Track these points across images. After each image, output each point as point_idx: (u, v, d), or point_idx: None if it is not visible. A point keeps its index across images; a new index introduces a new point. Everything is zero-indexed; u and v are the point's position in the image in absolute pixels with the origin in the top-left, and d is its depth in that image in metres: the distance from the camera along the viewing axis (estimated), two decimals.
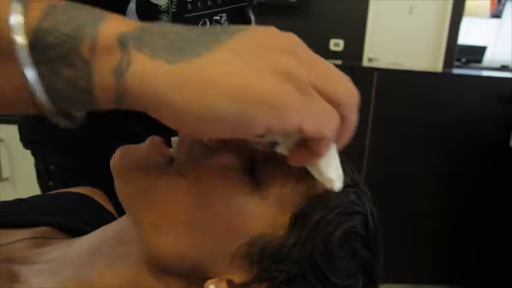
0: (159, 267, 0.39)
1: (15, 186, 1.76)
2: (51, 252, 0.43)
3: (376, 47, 3.77)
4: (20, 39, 0.24)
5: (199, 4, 0.58)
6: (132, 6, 0.52)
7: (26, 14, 0.25)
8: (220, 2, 0.60)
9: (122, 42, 0.26)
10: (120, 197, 0.39)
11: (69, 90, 0.26)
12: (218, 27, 0.28)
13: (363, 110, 1.98)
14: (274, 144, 0.36)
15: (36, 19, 0.25)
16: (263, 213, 0.38)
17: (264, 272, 0.37)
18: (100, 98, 0.26)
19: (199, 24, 0.59)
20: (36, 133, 0.72)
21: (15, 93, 0.26)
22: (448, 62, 3.84)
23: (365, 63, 3.60)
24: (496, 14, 4.97)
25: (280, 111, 0.26)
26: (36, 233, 0.46)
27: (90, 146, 0.67)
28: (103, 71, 0.25)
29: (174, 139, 0.43)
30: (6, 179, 1.77)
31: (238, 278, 0.38)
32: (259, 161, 0.40)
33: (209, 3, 0.59)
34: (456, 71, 3.30)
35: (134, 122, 0.59)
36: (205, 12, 0.59)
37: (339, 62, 2.51)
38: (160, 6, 0.54)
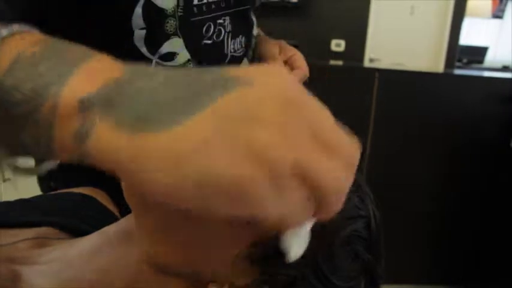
0: (160, 268, 0.39)
1: (17, 187, 1.76)
2: (52, 252, 0.43)
3: (377, 47, 3.77)
4: None
5: (204, 8, 0.58)
6: (138, 10, 0.52)
7: None
8: (223, 5, 0.60)
9: (84, 106, 0.24)
10: (125, 195, 0.40)
11: (34, 146, 0.25)
12: (213, 74, 0.24)
13: (364, 110, 1.98)
14: None
15: (1, 73, 0.24)
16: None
17: (265, 274, 0.37)
18: (63, 157, 0.25)
19: (204, 28, 0.59)
20: None
21: None
22: (450, 62, 3.84)
23: (366, 63, 3.60)
24: (498, 15, 4.96)
25: (243, 204, 0.22)
26: (37, 233, 0.46)
27: None
28: (63, 135, 0.24)
29: None
30: (8, 179, 1.78)
31: (239, 281, 0.38)
32: None
33: (213, 6, 0.59)
34: (457, 71, 3.31)
35: None
36: (209, 15, 0.59)
37: (340, 62, 2.51)
38: (167, 10, 0.54)
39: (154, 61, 0.56)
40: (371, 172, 2.00)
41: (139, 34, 0.54)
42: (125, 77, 0.25)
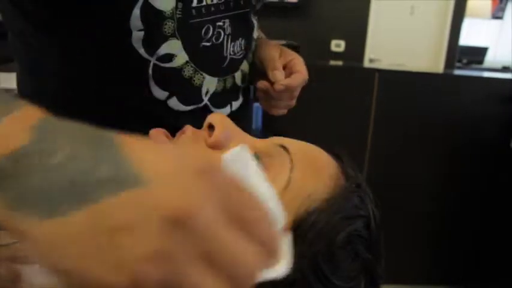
0: None
1: None
2: None
3: (377, 47, 3.78)
4: None
5: (203, 10, 0.58)
6: (136, 12, 0.52)
7: None
8: (223, 8, 0.60)
9: None
10: None
11: None
12: (115, 165, 0.22)
13: (364, 110, 1.99)
14: None
15: None
16: None
17: None
18: None
19: (203, 30, 0.59)
20: None
21: None
22: (449, 62, 3.84)
23: (366, 64, 3.60)
24: (498, 15, 4.96)
25: None
26: None
27: None
28: None
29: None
30: None
31: None
32: (262, 156, 0.40)
33: (212, 9, 0.59)
34: (457, 72, 3.31)
35: (144, 124, 0.60)
36: (208, 18, 0.59)
37: (340, 62, 2.51)
38: (165, 12, 0.54)
39: (152, 62, 0.56)
40: (371, 172, 2.00)
41: (137, 35, 0.54)
42: (27, 148, 0.23)
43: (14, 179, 0.22)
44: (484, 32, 4.92)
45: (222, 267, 0.21)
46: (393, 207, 1.92)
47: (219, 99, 0.66)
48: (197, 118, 0.50)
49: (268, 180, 0.39)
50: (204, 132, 0.43)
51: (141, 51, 0.55)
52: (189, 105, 0.62)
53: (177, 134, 0.45)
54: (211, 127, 0.43)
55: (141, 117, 0.60)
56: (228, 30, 0.63)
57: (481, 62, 4.68)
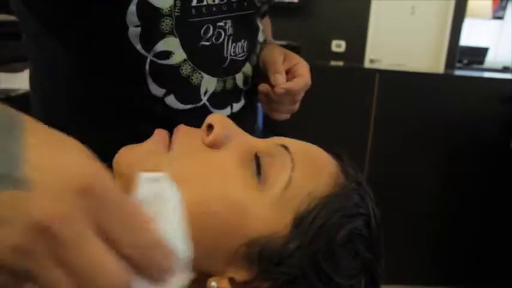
0: None
1: None
2: None
3: (377, 48, 3.77)
4: None
5: (203, 9, 0.57)
6: (132, 8, 0.52)
7: None
8: (225, 9, 0.60)
9: None
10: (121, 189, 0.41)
11: None
12: (8, 163, 0.24)
13: (365, 110, 1.99)
14: None
15: None
16: (264, 215, 0.38)
17: (264, 272, 0.37)
18: None
19: (203, 29, 0.59)
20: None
21: None
22: (450, 63, 3.84)
23: (367, 64, 3.60)
24: (498, 15, 4.96)
25: None
26: None
27: (99, 147, 0.68)
28: None
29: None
30: None
31: (239, 276, 0.38)
32: (263, 155, 0.41)
33: (214, 9, 0.58)
34: (458, 72, 3.31)
35: (144, 122, 0.60)
36: (209, 17, 0.59)
37: (341, 63, 2.51)
38: (163, 9, 0.54)
39: (149, 59, 0.56)
40: (371, 172, 2.01)
41: (134, 31, 0.54)
42: None
43: None
44: (484, 32, 4.91)
45: (78, 274, 0.24)
46: (393, 207, 1.92)
47: (219, 100, 0.66)
48: (196, 118, 0.50)
49: (270, 179, 0.40)
50: (202, 131, 0.43)
51: (138, 47, 0.55)
52: (187, 104, 0.62)
53: (174, 132, 0.45)
54: (210, 127, 0.43)
55: (141, 115, 0.60)
56: (230, 31, 0.62)
57: (481, 62, 4.67)
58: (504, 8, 4.94)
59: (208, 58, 0.61)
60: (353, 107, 2.00)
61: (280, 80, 0.66)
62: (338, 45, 3.75)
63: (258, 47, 0.72)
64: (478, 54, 4.66)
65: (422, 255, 2.17)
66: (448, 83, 2.08)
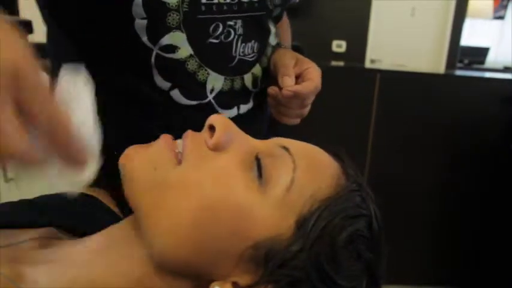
0: (163, 268, 0.39)
1: (20, 187, 1.76)
2: (56, 252, 0.43)
3: (378, 48, 3.78)
4: None
5: (214, 8, 0.57)
6: (138, 0, 0.52)
7: None
8: (236, 8, 0.60)
9: None
10: (128, 194, 0.40)
11: None
12: None
13: (365, 111, 1.99)
14: None
15: None
16: (268, 217, 0.38)
17: (269, 275, 0.37)
18: None
19: (212, 27, 0.59)
20: None
21: None
22: (451, 63, 3.84)
23: (367, 64, 3.60)
24: (499, 15, 4.96)
25: None
26: (41, 233, 0.47)
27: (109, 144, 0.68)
28: None
29: (179, 141, 0.43)
30: (11, 179, 1.77)
31: (243, 280, 0.38)
32: (264, 157, 0.40)
33: (224, 7, 0.59)
34: (458, 72, 3.30)
35: (149, 116, 0.60)
36: (219, 16, 0.58)
37: (341, 63, 2.51)
38: (169, 4, 0.54)
39: (155, 51, 0.56)
40: (372, 172, 2.00)
41: (140, 23, 0.54)
42: None
43: None
44: (485, 32, 4.91)
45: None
46: (394, 208, 1.91)
47: (226, 99, 0.66)
48: (201, 114, 0.49)
49: (272, 181, 0.39)
50: (204, 134, 0.43)
51: (144, 39, 0.55)
52: (192, 99, 0.62)
53: (183, 138, 0.44)
54: (212, 128, 0.43)
55: (147, 109, 0.60)
56: (240, 31, 0.62)
57: (482, 62, 4.67)
58: (505, 8, 4.94)
59: (215, 56, 0.61)
60: (353, 107, 2.00)
61: (288, 82, 0.65)
62: (339, 46, 3.75)
63: (269, 49, 0.72)
64: (478, 55, 4.65)
65: (422, 255, 2.17)
66: (448, 83, 2.07)
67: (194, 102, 0.62)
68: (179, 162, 0.41)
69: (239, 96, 0.68)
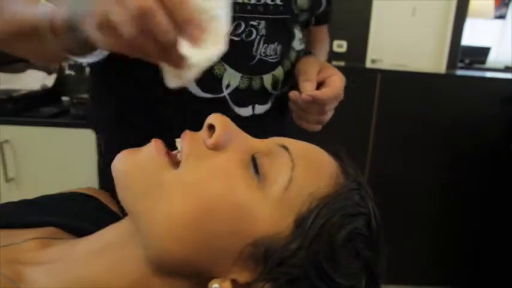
0: (163, 268, 0.39)
1: (20, 187, 1.76)
2: (56, 252, 0.43)
3: (379, 48, 3.77)
4: None
5: (237, 7, 0.59)
6: None
7: None
8: (261, 10, 0.61)
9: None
10: (123, 201, 0.40)
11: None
12: None
13: (366, 111, 1.99)
14: None
15: None
16: (267, 215, 0.38)
17: (268, 273, 0.37)
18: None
19: (234, 24, 0.59)
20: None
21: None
22: (452, 63, 3.83)
23: (368, 64, 3.60)
24: (500, 15, 4.95)
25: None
26: (41, 233, 0.47)
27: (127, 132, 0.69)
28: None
29: (178, 140, 0.43)
30: (12, 179, 1.78)
31: (242, 277, 0.38)
32: (260, 156, 0.40)
33: (248, 7, 0.60)
34: (459, 72, 3.30)
35: (166, 107, 0.62)
36: (241, 15, 0.59)
37: (342, 63, 2.50)
38: None
39: None
40: (372, 172, 2.00)
41: None
42: None
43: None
44: (486, 32, 4.90)
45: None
46: (394, 207, 1.92)
47: (242, 97, 0.66)
48: (215, 108, 0.48)
49: (270, 180, 0.40)
50: (203, 133, 0.43)
51: None
52: (208, 92, 0.63)
53: (181, 138, 0.44)
54: (211, 128, 0.43)
55: (164, 99, 0.61)
56: (262, 32, 0.63)
57: (483, 62, 4.66)
58: (506, 7, 4.93)
59: (235, 53, 0.62)
60: (354, 107, 2.00)
61: (308, 87, 0.66)
62: (339, 46, 3.75)
63: (293, 53, 0.72)
64: (480, 54, 4.65)
65: (422, 255, 2.17)
66: (449, 83, 2.07)
67: (209, 96, 0.63)
68: (177, 163, 0.41)
69: (256, 96, 0.69)
